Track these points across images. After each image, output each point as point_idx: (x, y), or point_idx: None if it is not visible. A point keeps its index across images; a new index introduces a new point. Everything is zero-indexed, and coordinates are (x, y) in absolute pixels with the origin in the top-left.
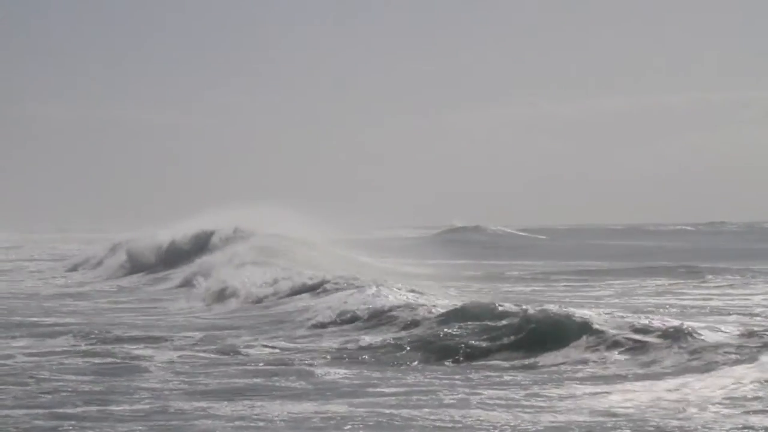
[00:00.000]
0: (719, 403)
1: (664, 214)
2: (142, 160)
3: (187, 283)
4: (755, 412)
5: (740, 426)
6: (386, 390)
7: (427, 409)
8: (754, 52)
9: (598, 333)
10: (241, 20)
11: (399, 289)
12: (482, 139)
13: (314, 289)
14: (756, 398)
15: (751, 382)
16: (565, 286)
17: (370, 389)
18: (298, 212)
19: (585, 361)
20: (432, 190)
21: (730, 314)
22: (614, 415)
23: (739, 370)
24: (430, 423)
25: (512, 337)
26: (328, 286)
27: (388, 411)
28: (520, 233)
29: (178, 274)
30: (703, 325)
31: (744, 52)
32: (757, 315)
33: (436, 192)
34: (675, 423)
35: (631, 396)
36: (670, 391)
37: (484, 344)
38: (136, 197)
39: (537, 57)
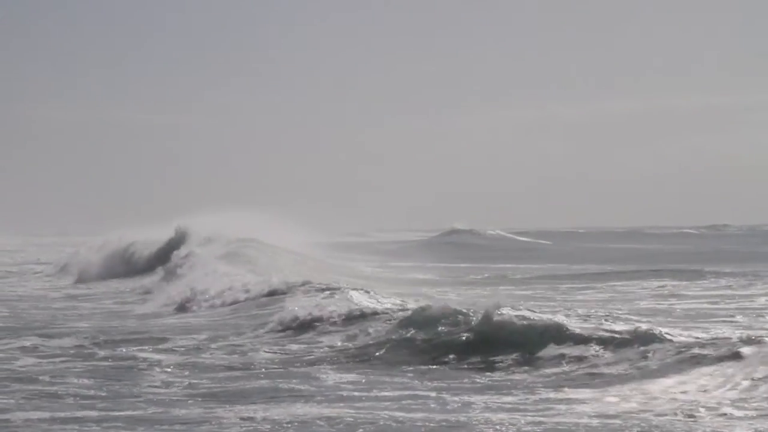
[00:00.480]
0: (664, 408)
1: (667, 216)
2: (143, 160)
3: (153, 289)
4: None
5: None
6: (345, 394)
7: (387, 413)
8: (758, 54)
9: (563, 337)
10: (240, 20)
11: (362, 293)
12: (484, 141)
13: (276, 294)
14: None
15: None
16: (546, 289)
17: (329, 393)
18: (285, 216)
19: (545, 365)
20: (433, 191)
21: (707, 317)
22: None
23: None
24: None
25: (467, 341)
26: (294, 290)
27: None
28: (517, 237)
29: (147, 279)
30: (674, 329)
31: (748, 53)
32: (733, 319)
33: (438, 193)
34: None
35: (589, 401)
36: (620, 396)
37: (439, 348)
38: (137, 198)
39: (540, 58)
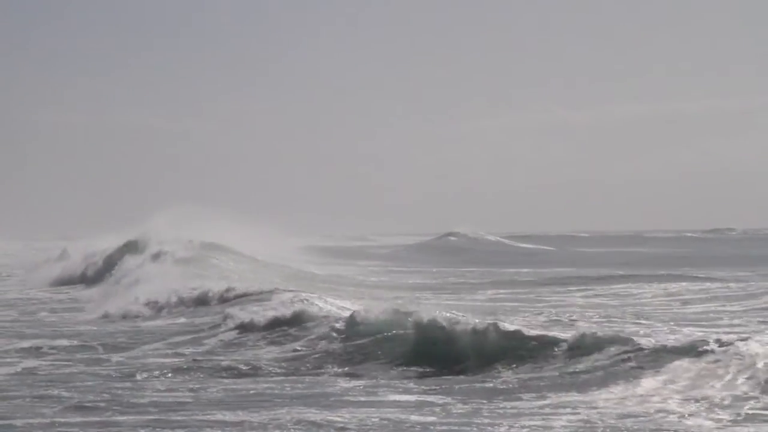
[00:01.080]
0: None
1: (674, 220)
2: (148, 165)
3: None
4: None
5: None
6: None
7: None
8: (765, 57)
9: (490, 344)
10: (248, 25)
11: (302, 300)
12: (490, 144)
13: (225, 300)
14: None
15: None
16: (512, 294)
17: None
18: (275, 221)
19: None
20: (438, 194)
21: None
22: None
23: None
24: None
25: (400, 346)
26: (236, 295)
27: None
28: (514, 242)
29: (99, 284)
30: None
31: (755, 57)
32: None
33: (442, 196)
34: None
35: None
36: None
37: (371, 353)
38: (143, 203)
39: (547, 62)
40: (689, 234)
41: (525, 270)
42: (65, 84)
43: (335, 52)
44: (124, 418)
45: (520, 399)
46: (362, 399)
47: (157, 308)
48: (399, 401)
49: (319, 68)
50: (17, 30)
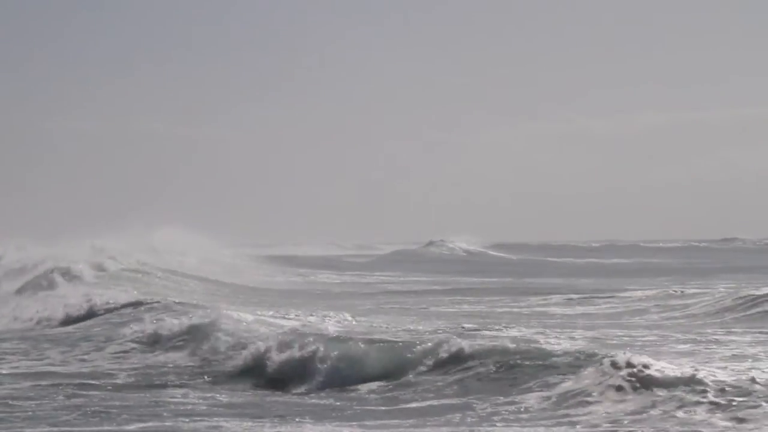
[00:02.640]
0: None
1: (695, 229)
2: (173, 173)
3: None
4: None
5: None
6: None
7: None
8: None
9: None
10: (271, 32)
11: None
12: (513, 154)
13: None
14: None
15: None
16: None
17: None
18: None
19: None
20: (461, 203)
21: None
22: None
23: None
24: None
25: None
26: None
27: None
28: (494, 252)
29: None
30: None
31: None
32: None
33: (468, 206)
34: None
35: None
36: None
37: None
38: (167, 210)
39: (571, 71)
40: (695, 243)
41: (472, 279)
42: (79, 90)
43: (355, 60)
44: None
45: None
46: None
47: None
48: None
49: (338, 76)
50: (31, 37)
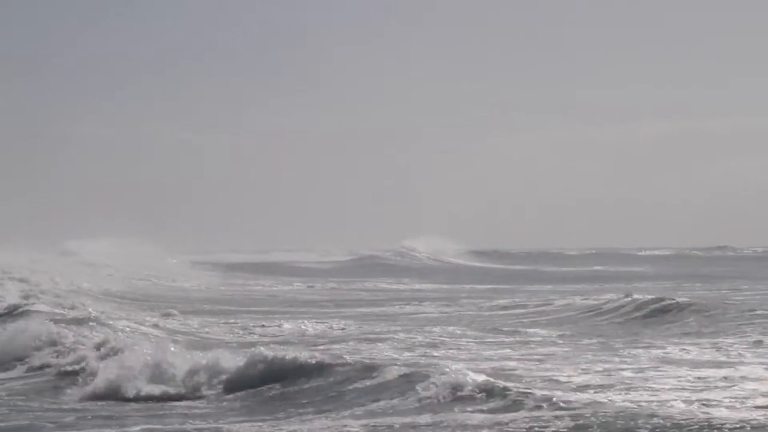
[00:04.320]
0: None
1: (701, 237)
2: (193, 181)
3: None
4: None
5: None
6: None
7: None
8: None
9: None
10: (286, 39)
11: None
12: (518, 161)
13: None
14: None
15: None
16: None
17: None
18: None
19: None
20: (466, 210)
21: None
22: None
23: None
24: None
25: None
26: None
27: None
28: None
29: None
30: None
31: None
32: None
33: (474, 213)
34: None
35: None
36: None
37: None
38: (186, 219)
39: (576, 80)
40: (686, 251)
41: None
42: (102, 97)
43: (373, 70)
44: None
45: None
46: None
47: None
48: None
49: (351, 82)
50: (53, 43)
